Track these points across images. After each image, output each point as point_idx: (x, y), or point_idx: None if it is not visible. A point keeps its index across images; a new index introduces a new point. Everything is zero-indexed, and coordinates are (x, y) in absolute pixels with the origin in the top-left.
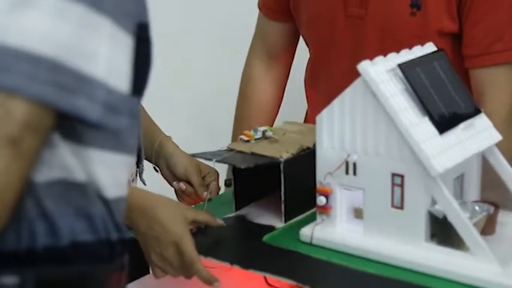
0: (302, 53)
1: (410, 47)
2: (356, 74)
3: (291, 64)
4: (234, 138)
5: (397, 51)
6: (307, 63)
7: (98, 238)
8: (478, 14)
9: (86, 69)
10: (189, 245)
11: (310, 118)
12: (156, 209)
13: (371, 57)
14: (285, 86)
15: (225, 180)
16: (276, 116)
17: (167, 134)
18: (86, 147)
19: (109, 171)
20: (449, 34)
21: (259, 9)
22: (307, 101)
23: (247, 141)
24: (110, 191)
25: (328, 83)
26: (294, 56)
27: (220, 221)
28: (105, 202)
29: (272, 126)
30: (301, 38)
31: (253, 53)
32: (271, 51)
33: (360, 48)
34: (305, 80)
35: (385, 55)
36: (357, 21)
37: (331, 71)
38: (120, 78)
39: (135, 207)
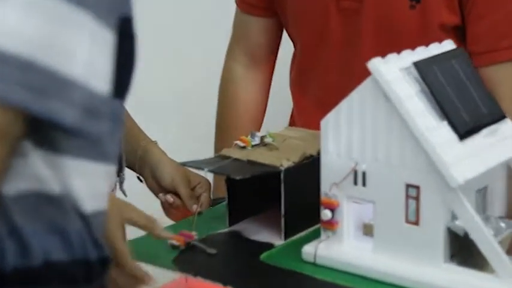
0: (285, 51)
1: (410, 44)
2: (348, 74)
3: (275, 64)
4: (218, 149)
5: (396, 48)
6: (292, 62)
7: (74, 257)
8: (482, 9)
9: (62, 69)
10: (118, 240)
11: (297, 122)
12: None
13: (366, 55)
14: (269, 88)
15: (213, 200)
16: (262, 121)
17: (153, 139)
18: (61, 156)
19: (87, 183)
20: (452, 29)
21: (237, 5)
22: (294, 104)
23: (243, 147)
24: (87, 205)
25: (317, 83)
26: (277, 55)
27: (165, 233)
28: (83, 217)
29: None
30: (284, 34)
31: (233, 54)
32: (252, 51)
33: (354, 44)
34: (291, 81)
35: (381, 52)
36: (351, 15)
37: (321, 70)
38: (100, 79)
39: None
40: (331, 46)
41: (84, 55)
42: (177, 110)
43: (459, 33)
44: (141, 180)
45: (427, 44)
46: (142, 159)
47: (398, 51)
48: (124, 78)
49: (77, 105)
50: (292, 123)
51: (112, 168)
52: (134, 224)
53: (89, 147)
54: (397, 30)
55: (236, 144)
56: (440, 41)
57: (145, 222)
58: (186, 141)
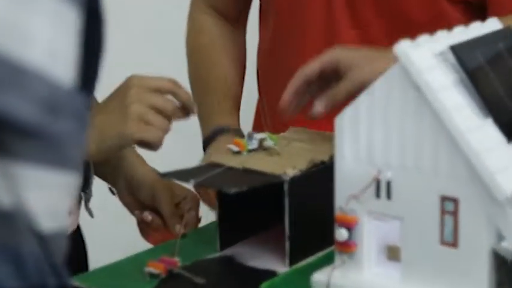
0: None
1: (412, 18)
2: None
3: (245, 32)
4: (204, 112)
5: (396, 23)
6: (260, 42)
7: (29, 286)
8: None
9: (17, 54)
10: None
11: (266, 120)
12: None
13: None
14: (245, 61)
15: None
16: (242, 85)
17: None
18: (12, 162)
19: (44, 196)
20: (461, 2)
21: None
22: (260, 94)
23: (238, 152)
24: (45, 223)
25: (293, 66)
26: (246, 22)
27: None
28: (40, 238)
29: (240, 100)
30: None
31: (200, 7)
32: (221, 9)
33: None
34: (258, 65)
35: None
36: None
37: (299, 49)
38: (63, 66)
39: None
40: (312, 20)
41: (43, 38)
42: None
43: (470, 8)
44: (113, 193)
45: (428, 19)
46: (116, 167)
47: (398, 23)
48: (91, 66)
49: (35, 99)
50: (258, 123)
51: (75, 180)
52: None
53: (48, 151)
54: (398, 3)
55: (229, 148)
56: (445, 15)
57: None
58: (172, 145)
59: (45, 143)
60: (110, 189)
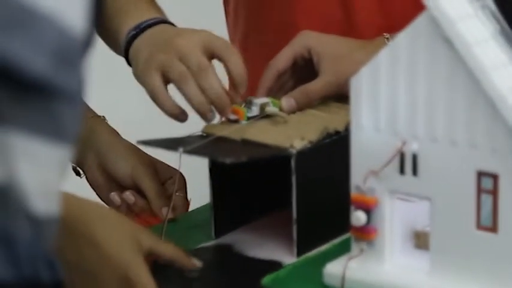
0: None
1: None
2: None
3: None
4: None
5: None
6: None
7: (19, 277)
8: None
9: None
10: (141, 274)
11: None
12: (92, 226)
13: None
14: None
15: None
16: None
17: (100, 114)
18: (5, 128)
19: (37, 171)
20: None
21: None
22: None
23: (235, 121)
24: (40, 204)
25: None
26: None
27: (195, 262)
28: (33, 220)
29: None
30: None
31: None
32: None
33: None
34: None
35: None
36: None
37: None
38: (75, 11)
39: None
40: None
41: None
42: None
43: None
44: (78, 174)
45: None
46: (85, 141)
47: None
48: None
49: (46, 47)
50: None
51: (67, 155)
52: (156, 254)
53: (43, 117)
54: None
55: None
56: None
57: (171, 252)
58: (151, 119)
59: (39, 108)
60: (75, 169)
